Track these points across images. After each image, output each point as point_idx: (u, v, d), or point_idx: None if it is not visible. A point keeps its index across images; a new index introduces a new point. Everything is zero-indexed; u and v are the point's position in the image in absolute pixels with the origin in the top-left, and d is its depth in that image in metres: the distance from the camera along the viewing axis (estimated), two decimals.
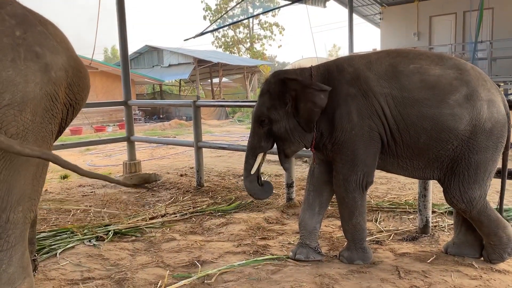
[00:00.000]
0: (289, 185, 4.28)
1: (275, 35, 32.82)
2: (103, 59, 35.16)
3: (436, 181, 2.82)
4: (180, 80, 23.62)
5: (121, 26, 5.89)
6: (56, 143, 4.52)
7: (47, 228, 3.61)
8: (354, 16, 13.24)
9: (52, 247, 3.18)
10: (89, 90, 2.29)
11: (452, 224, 3.21)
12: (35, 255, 2.72)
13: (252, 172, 2.81)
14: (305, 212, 2.94)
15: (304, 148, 2.91)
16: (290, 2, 10.95)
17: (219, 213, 4.06)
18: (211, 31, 16.18)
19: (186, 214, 4.04)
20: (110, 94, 16.87)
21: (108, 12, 6.56)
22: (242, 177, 5.64)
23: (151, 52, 22.07)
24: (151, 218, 3.91)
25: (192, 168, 6.06)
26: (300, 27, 59.58)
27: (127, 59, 6.14)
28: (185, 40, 10.03)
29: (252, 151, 2.82)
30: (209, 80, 23.48)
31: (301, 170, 5.91)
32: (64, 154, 8.26)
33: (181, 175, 5.91)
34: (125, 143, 6.29)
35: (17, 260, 1.94)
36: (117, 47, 6.60)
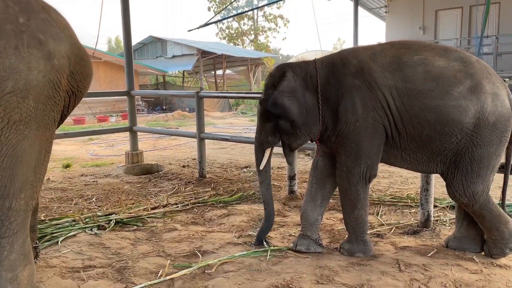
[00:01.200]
0: (291, 178, 4.28)
1: (279, 27, 32.75)
2: (107, 49, 35.11)
3: (438, 176, 2.81)
4: (183, 71, 23.58)
5: (125, 16, 5.87)
6: (59, 132, 4.53)
7: (49, 216, 3.63)
8: (359, 9, 13.14)
9: (54, 235, 3.20)
10: (91, 78, 2.28)
11: (453, 219, 3.20)
12: (36, 243, 2.73)
13: (261, 167, 2.84)
14: (308, 204, 2.94)
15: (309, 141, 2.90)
16: None
17: (221, 204, 4.07)
18: (215, 22, 16.11)
19: (187, 204, 4.04)
20: (113, 84, 16.86)
21: (112, 2, 6.54)
22: (245, 170, 5.69)
23: (155, 43, 22.01)
24: (152, 208, 3.92)
25: (195, 159, 6.07)
26: (304, 19, 59.28)
27: (130, 49, 6.13)
28: (189, 30, 10.01)
29: (260, 146, 2.84)
30: (213, 72, 23.44)
31: (303, 163, 5.90)
32: (67, 144, 8.29)
33: (183, 166, 5.91)
34: (127, 133, 6.29)
35: (18, 247, 1.95)
36: (121, 37, 6.59)
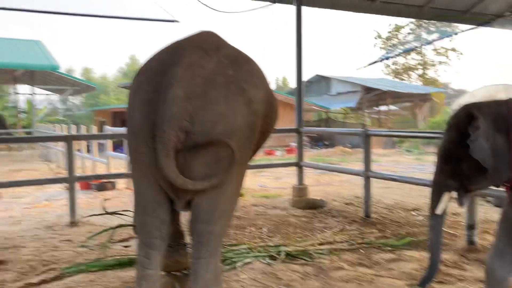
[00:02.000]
0: (470, 227, 3.89)
1: (451, 60, 30.55)
2: (275, 87, 37.61)
3: None
4: (346, 107, 23.75)
5: (298, 59, 6.30)
6: None
7: (227, 242, 4.01)
8: None
9: (233, 259, 3.52)
10: (277, 119, 2.53)
11: None
12: None
13: (438, 212, 2.68)
14: (494, 259, 2.62)
15: (491, 187, 2.64)
16: (473, 26, 10.09)
17: (388, 248, 3.92)
18: (383, 59, 15.96)
19: (353, 244, 4.01)
20: (280, 121, 17.79)
21: (280, 44, 7.08)
22: (413, 213, 5.37)
23: (320, 81, 22.81)
24: (319, 244, 3.99)
25: (358, 197, 5.99)
26: (481, 51, 54.07)
27: (301, 89, 6.51)
28: (357, 69, 10.11)
29: (438, 189, 2.68)
30: (376, 108, 23.03)
31: (484, 210, 5.30)
32: None
33: (347, 204, 5.90)
34: (292, 167, 6.59)
35: (212, 268, 2.23)
36: (287, 77, 7.06)
